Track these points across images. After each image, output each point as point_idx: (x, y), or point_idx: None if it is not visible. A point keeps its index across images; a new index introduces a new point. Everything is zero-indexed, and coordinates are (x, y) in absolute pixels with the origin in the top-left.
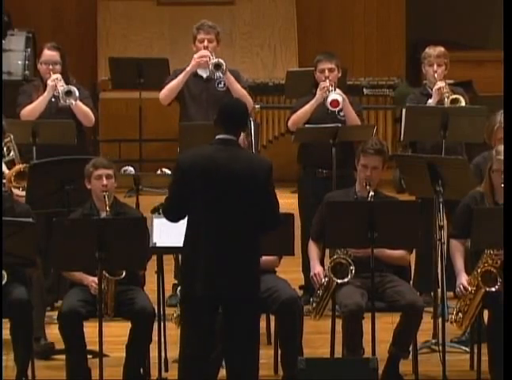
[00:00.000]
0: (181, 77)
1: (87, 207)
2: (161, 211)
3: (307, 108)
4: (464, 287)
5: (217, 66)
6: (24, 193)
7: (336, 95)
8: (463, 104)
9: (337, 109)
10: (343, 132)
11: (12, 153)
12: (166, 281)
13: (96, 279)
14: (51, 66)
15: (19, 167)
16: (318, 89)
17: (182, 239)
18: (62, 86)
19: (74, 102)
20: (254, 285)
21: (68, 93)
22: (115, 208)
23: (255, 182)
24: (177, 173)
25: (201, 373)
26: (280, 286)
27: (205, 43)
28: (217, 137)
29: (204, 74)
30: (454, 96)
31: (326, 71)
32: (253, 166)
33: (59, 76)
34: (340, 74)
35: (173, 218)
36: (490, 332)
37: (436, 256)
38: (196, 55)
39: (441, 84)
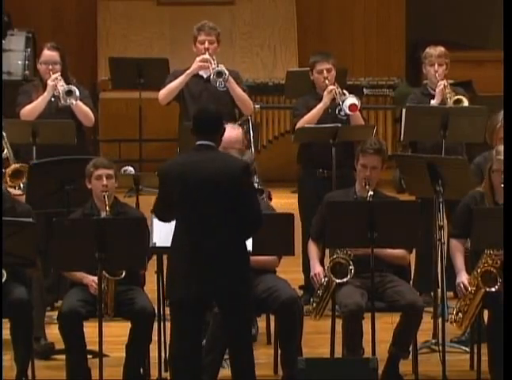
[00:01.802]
0: (181, 79)
1: (88, 206)
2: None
3: (315, 112)
4: (464, 286)
5: (219, 74)
6: (20, 192)
7: (352, 99)
8: (466, 104)
9: (356, 113)
10: (343, 132)
11: (5, 151)
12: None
13: (96, 279)
14: (50, 66)
15: (15, 166)
16: (325, 93)
17: None
18: (62, 86)
19: (74, 102)
20: (240, 284)
21: (69, 93)
22: (115, 208)
23: (230, 182)
24: (159, 182)
25: (189, 373)
26: (280, 286)
27: (206, 44)
28: (196, 143)
29: (204, 74)
30: (457, 97)
31: (325, 72)
32: (227, 167)
33: (59, 76)
34: (335, 73)
35: (162, 219)
36: (490, 332)
37: (436, 256)
38: (198, 59)
39: (443, 83)
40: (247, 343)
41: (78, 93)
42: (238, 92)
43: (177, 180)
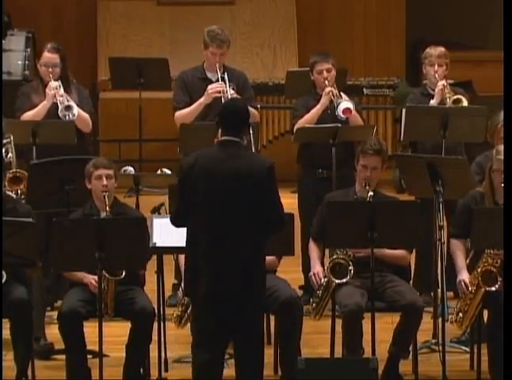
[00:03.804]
0: (195, 107)
1: (87, 207)
2: (169, 219)
3: (314, 112)
4: (465, 284)
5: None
6: (15, 196)
7: (347, 103)
8: (465, 104)
9: (350, 116)
10: (343, 132)
11: (10, 155)
12: (166, 281)
13: (96, 277)
14: (50, 69)
15: (15, 172)
16: (323, 94)
17: (182, 239)
18: (61, 96)
19: (71, 117)
20: (258, 284)
21: (68, 108)
22: (115, 208)
23: (255, 181)
24: (180, 176)
25: (214, 375)
26: (280, 286)
27: (217, 58)
28: (220, 139)
29: (212, 77)
30: (456, 97)
31: (325, 72)
32: (253, 165)
33: (58, 84)
34: (335, 73)
35: (180, 223)
36: (490, 332)
37: (436, 256)
38: (210, 89)
39: (442, 84)
40: (259, 345)
41: (75, 110)
42: None
43: (202, 176)
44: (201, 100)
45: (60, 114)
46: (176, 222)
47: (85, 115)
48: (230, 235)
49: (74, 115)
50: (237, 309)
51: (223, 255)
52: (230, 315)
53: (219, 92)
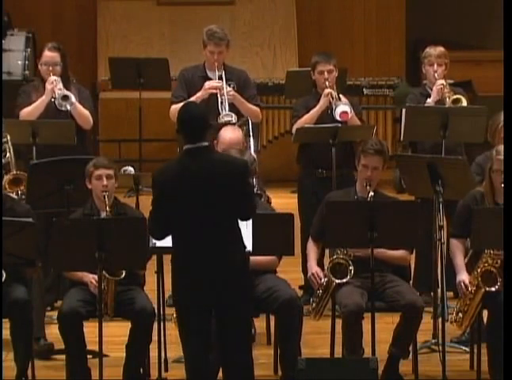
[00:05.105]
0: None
1: (87, 207)
2: (149, 234)
3: (313, 113)
4: (464, 285)
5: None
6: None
7: (345, 106)
8: (464, 104)
9: (347, 120)
10: (343, 132)
11: (8, 155)
12: (166, 281)
13: (96, 276)
14: (51, 68)
15: (15, 174)
16: (322, 96)
17: None
18: (60, 89)
19: (69, 107)
20: (243, 285)
21: (64, 98)
22: (115, 208)
23: (236, 183)
24: (154, 190)
25: (202, 373)
26: (280, 286)
27: (215, 56)
28: (184, 148)
29: (213, 76)
30: (456, 97)
31: (326, 73)
32: (229, 169)
33: (57, 79)
34: (337, 74)
35: (160, 235)
36: (489, 332)
37: (436, 256)
38: (207, 85)
39: (441, 83)
40: (246, 348)
41: (73, 99)
42: (245, 107)
43: (178, 187)
44: (198, 94)
45: (56, 103)
46: (157, 236)
47: (85, 111)
48: (214, 241)
49: (71, 104)
50: (222, 311)
51: (208, 260)
52: (216, 317)
53: (216, 88)
